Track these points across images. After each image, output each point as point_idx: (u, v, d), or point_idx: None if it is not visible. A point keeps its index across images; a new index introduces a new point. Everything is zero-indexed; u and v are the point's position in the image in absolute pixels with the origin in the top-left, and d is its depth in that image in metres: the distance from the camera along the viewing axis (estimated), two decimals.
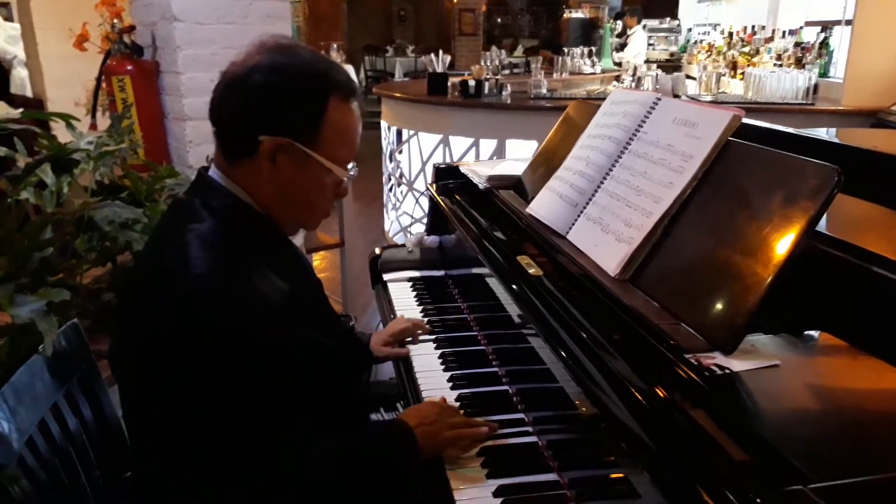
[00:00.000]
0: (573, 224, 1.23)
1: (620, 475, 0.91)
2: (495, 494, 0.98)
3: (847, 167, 0.83)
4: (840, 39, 4.51)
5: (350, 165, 1.09)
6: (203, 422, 0.92)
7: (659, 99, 1.21)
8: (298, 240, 2.76)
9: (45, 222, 1.49)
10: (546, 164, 1.50)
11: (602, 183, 1.22)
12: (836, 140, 1.71)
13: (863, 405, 0.78)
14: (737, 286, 0.85)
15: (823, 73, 4.40)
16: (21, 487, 1.03)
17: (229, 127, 1.04)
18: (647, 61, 7.35)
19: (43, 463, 1.13)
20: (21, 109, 2.34)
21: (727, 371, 0.79)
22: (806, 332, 0.89)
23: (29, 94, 5.32)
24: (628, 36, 8.50)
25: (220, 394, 0.92)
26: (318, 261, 4.23)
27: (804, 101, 4.10)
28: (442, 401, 1.20)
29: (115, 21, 2.54)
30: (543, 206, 1.35)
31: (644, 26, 8.51)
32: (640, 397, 0.79)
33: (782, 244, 0.82)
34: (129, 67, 2.52)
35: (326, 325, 1.21)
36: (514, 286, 1.21)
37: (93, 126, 2.63)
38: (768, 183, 0.90)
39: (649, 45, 8.44)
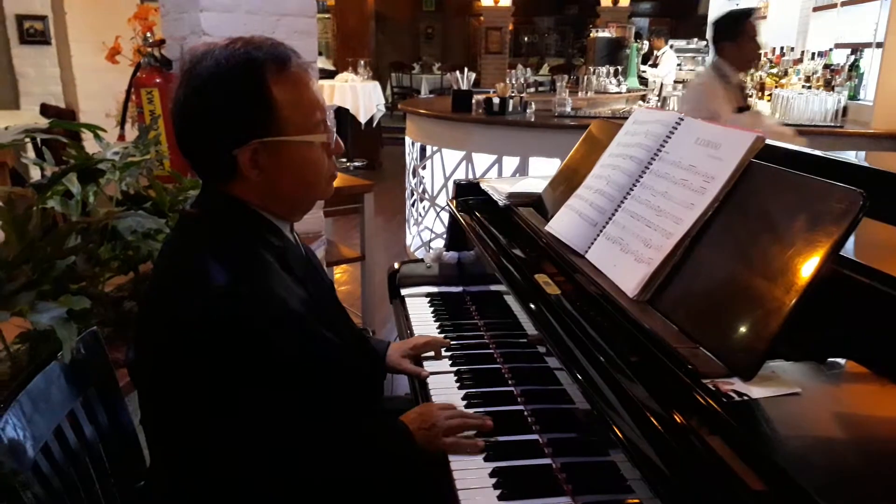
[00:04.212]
0: (592, 243, 1.22)
1: (636, 501, 0.89)
2: None
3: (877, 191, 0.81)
4: (871, 62, 4.44)
5: (329, 119, 1.07)
6: (223, 425, 0.95)
7: (682, 119, 1.19)
8: (320, 252, 2.77)
9: (70, 230, 1.51)
10: (567, 183, 1.49)
11: (622, 202, 1.20)
12: (865, 164, 1.68)
13: (887, 436, 0.76)
14: (758, 311, 0.83)
15: (853, 96, 4.34)
16: (34, 493, 1.03)
17: (203, 157, 1.04)
18: (675, 81, 7.33)
19: (58, 470, 1.13)
20: (50, 120, 2.39)
21: (745, 398, 0.76)
22: (830, 360, 0.86)
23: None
24: (658, 56, 8.50)
25: (240, 395, 0.95)
26: (339, 274, 4.25)
27: (833, 124, 4.04)
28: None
29: (148, 34, 2.59)
30: (563, 225, 1.33)
31: (671, 46, 8.51)
32: (655, 422, 0.77)
33: (805, 269, 0.80)
34: (158, 80, 2.56)
35: (338, 327, 1.22)
36: (531, 305, 1.20)
37: (121, 137, 2.68)
38: (791, 206, 0.88)
39: (676, 65, 8.43)
